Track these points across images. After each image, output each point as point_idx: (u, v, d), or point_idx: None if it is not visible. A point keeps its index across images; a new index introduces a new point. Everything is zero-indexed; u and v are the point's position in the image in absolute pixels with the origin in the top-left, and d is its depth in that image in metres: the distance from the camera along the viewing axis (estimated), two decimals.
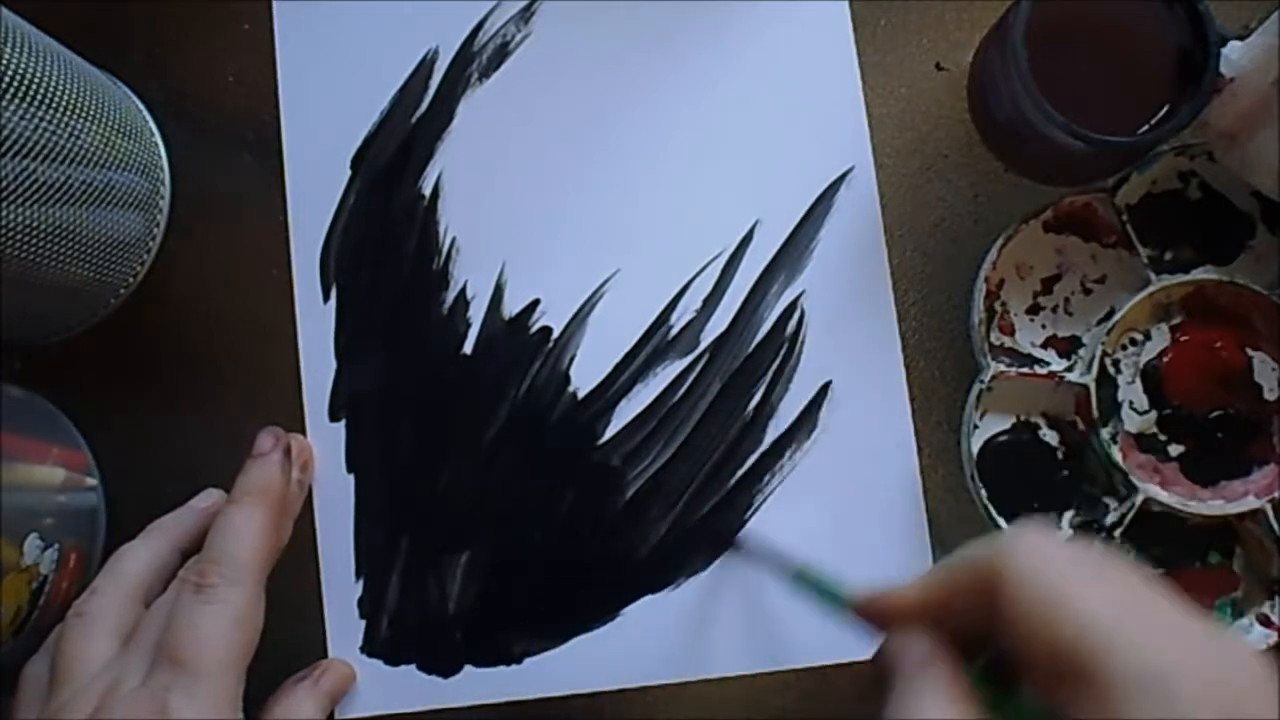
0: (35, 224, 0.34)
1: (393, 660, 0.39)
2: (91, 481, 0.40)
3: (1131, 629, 0.21)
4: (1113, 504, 0.38)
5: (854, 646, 0.38)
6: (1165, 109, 0.34)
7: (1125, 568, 0.23)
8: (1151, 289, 0.37)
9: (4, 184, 0.32)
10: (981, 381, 0.37)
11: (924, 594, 0.26)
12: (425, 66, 0.41)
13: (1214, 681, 0.20)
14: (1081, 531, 0.38)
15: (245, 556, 0.34)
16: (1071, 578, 0.22)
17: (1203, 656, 0.21)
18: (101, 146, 0.37)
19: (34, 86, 0.33)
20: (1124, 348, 0.38)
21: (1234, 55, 0.33)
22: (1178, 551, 0.38)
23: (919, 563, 0.39)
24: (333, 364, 0.40)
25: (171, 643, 0.32)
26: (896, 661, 0.25)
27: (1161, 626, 0.21)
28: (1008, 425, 0.38)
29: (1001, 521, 0.37)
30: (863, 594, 0.28)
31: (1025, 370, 0.37)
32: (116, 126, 0.38)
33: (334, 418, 0.40)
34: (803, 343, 0.40)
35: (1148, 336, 0.38)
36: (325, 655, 0.39)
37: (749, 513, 0.39)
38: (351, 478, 0.40)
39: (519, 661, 0.39)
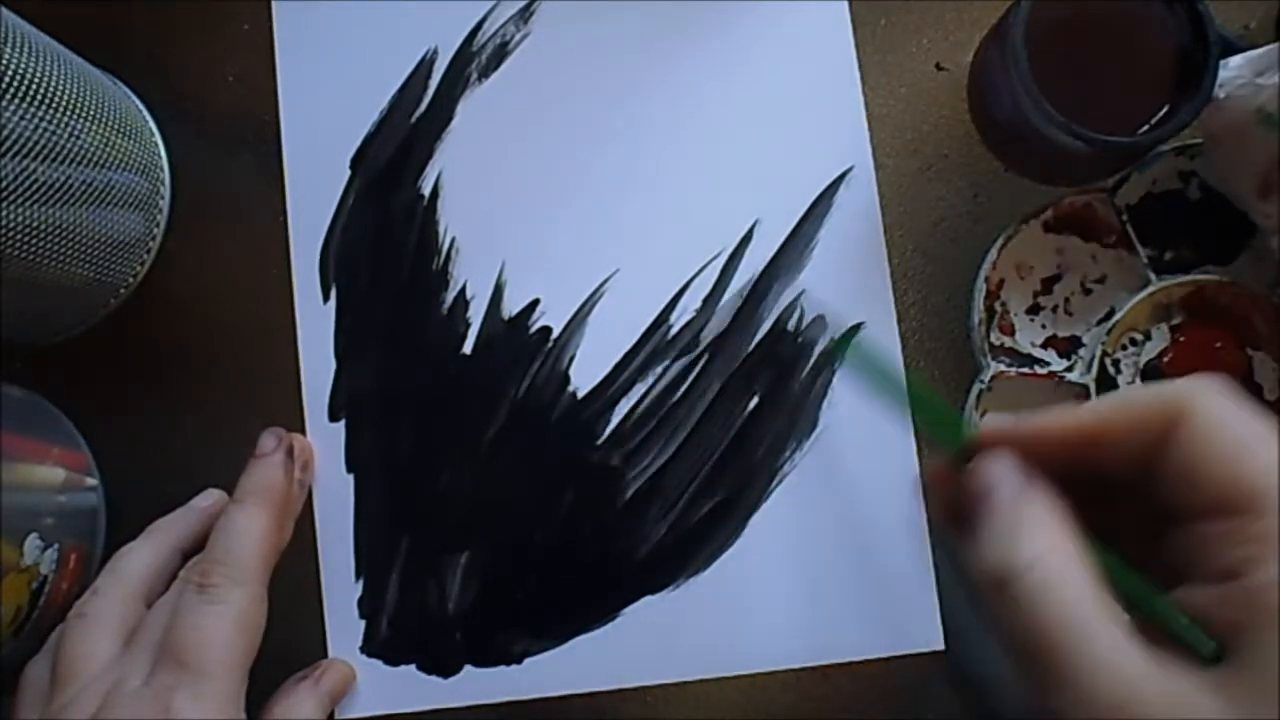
0: (35, 224, 0.34)
1: (393, 660, 0.39)
2: (91, 481, 0.40)
3: None
4: None
5: (855, 646, 0.38)
6: (1165, 109, 0.34)
7: None
8: (1151, 289, 0.37)
9: (4, 184, 0.32)
10: (981, 381, 0.37)
11: (1068, 427, 0.25)
12: (424, 66, 0.41)
13: None
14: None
15: (249, 556, 0.34)
16: (1257, 426, 0.23)
17: None
18: (101, 146, 0.37)
19: (34, 86, 0.33)
20: (1124, 348, 0.38)
21: (1224, 73, 0.33)
22: None
23: (919, 562, 0.39)
24: (332, 364, 0.40)
25: (175, 643, 0.32)
26: (989, 493, 0.24)
27: None
28: None
29: None
30: (993, 426, 0.26)
31: (1025, 370, 0.37)
32: (116, 126, 0.38)
33: (334, 418, 0.40)
34: (803, 343, 0.40)
35: (1148, 336, 0.38)
36: (325, 655, 0.39)
37: (749, 512, 0.39)
38: (351, 478, 0.40)
39: (519, 661, 0.39)
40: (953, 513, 0.26)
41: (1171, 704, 0.21)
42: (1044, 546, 0.23)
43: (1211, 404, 0.23)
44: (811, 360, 0.40)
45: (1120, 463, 0.24)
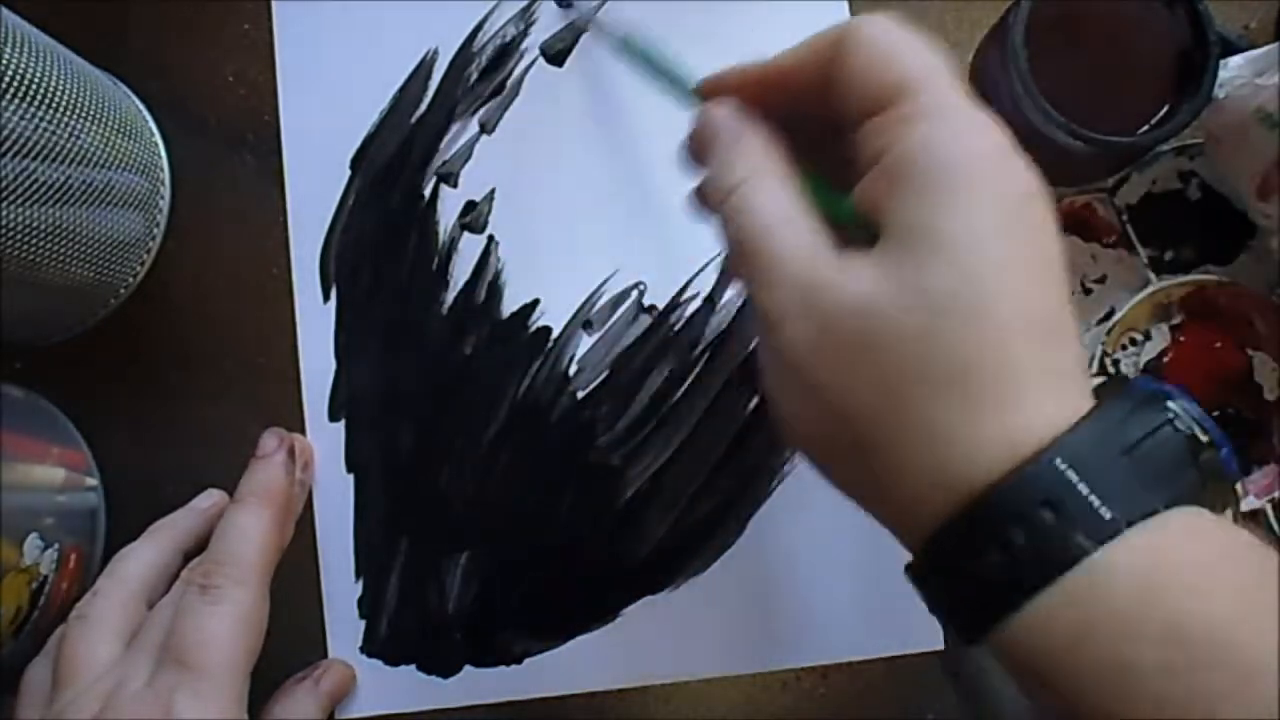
0: (35, 224, 0.34)
1: (393, 660, 0.39)
2: (91, 481, 0.40)
3: (955, 79, 0.26)
4: None
5: (855, 646, 0.38)
6: (1165, 109, 0.34)
7: None
8: (1151, 289, 0.37)
9: (4, 184, 0.32)
10: None
11: (767, 67, 0.29)
12: (425, 67, 0.41)
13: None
14: None
15: (250, 557, 0.34)
16: (911, 38, 0.27)
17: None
18: (101, 146, 0.37)
19: (34, 86, 0.33)
20: (1124, 348, 0.38)
21: (1224, 73, 0.34)
22: None
23: None
24: (332, 364, 0.40)
25: (177, 644, 0.32)
26: (713, 134, 0.28)
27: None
28: None
29: None
30: (708, 75, 0.30)
31: None
32: (116, 126, 0.38)
33: (334, 418, 0.40)
34: None
35: (1148, 336, 0.38)
36: (325, 655, 0.39)
37: (750, 512, 0.39)
38: (351, 478, 0.40)
39: (519, 661, 0.39)
40: (699, 160, 0.29)
41: (838, 276, 0.24)
42: (753, 167, 0.27)
43: (867, 25, 0.27)
44: None
45: (811, 91, 0.28)
